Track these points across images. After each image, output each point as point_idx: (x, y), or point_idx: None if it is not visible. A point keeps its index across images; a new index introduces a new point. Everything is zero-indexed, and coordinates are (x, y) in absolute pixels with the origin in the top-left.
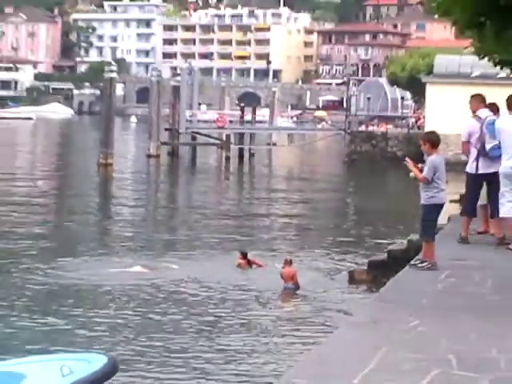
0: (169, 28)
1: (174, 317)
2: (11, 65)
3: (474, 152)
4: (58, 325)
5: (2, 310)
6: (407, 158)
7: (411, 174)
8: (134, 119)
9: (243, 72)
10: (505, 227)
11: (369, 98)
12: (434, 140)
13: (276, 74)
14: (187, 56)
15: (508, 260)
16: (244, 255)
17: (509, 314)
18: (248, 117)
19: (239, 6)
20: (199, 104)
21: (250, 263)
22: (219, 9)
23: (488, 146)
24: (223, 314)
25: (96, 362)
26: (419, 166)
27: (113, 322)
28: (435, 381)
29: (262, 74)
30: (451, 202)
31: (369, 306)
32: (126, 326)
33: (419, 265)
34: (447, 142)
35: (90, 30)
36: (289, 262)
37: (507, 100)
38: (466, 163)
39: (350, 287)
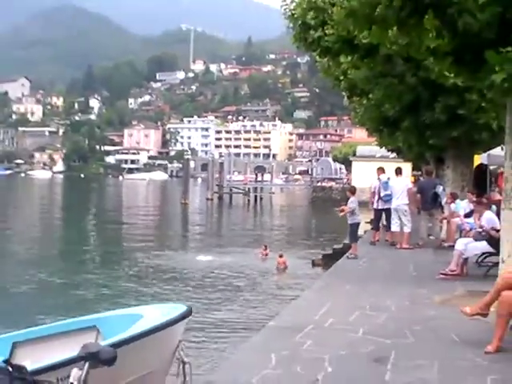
0: (217, 132)
1: (220, 282)
2: (136, 151)
3: (376, 197)
4: (157, 288)
5: (132, 279)
6: (339, 208)
7: (341, 214)
8: (199, 180)
9: (257, 155)
10: (393, 236)
11: (322, 168)
12: (352, 190)
13: (274, 155)
14: (227, 146)
15: (394, 253)
16: (265, 247)
17: (396, 280)
18: (259, 178)
19: (254, 120)
20: (233, 172)
21: (266, 254)
22: (244, 121)
23: (382, 194)
24: (247, 281)
25: (180, 308)
26: (344, 205)
27: (186, 287)
28: (357, 317)
29: (266, 156)
30: (366, 222)
31: (323, 277)
32: (195, 288)
33: (349, 256)
34: (363, 191)
35: (177, 133)
36: (281, 255)
37: (395, 170)
38: (372, 203)
39: (312, 268)
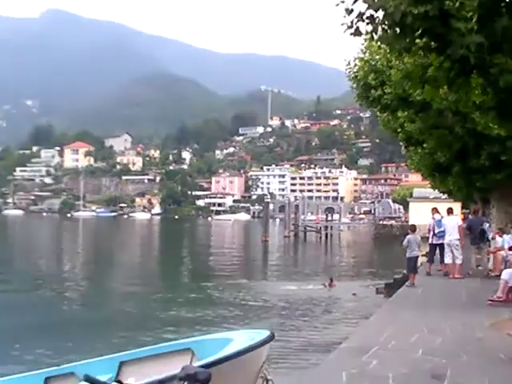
0: (292, 178)
1: (296, 309)
2: (222, 195)
3: (431, 233)
4: (243, 314)
5: (221, 307)
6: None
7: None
8: (277, 220)
9: (326, 197)
10: (446, 267)
11: (383, 209)
12: (412, 228)
13: (341, 198)
14: (301, 190)
15: (447, 283)
16: (331, 279)
17: (450, 306)
18: (329, 218)
19: (324, 168)
20: (307, 212)
21: (333, 285)
22: (315, 169)
23: (436, 231)
24: (319, 307)
25: (265, 333)
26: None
27: (268, 314)
28: (417, 339)
29: (335, 198)
30: (422, 255)
31: (386, 304)
32: (275, 314)
33: (408, 285)
34: (420, 228)
35: (257, 179)
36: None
37: (447, 209)
38: (428, 238)
39: (376, 295)
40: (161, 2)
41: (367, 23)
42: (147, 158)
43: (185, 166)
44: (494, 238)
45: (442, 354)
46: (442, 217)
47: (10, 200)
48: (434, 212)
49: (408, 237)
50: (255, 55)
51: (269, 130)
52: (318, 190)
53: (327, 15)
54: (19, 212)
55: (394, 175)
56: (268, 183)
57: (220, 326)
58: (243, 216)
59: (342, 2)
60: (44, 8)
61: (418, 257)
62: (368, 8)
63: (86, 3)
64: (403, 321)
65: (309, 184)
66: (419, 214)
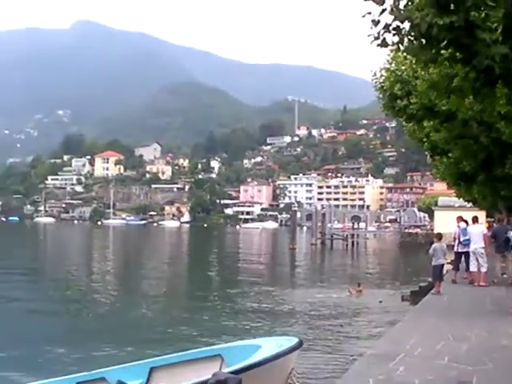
0: (319, 187)
1: (323, 315)
2: (250, 204)
3: (456, 242)
4: (272, 321)
5: (249, 314)
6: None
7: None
8: (305, 228)
9: (353, 206)
10: (471, 275)
11: (409, 217)
12: (438, 236)
13: (367, 206)
14: (327, 199)
15: (472, 290)
16: (359, 284)
17: (475, 314)
18: (355, 226)
19: (350, 177)
20: (333, 221)
21: (360, 291)
22: (341, 178)
23: (462, 239)
24: (346, 314)
25: (293, 340)
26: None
27: (297, 320)
28: (442, 346)
29: (361, 207)
30: (448, 263)
31: (411, 312)
32: (303, 320)
33: (433, 293)
34: (445, 237)
35: (285, 188)
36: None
37: (472, 218)
38: (453, 246)
39: (402, 303)
40: (189, 13)
41: (393, 34)
42: (176, 167)
43: (213, 175)
44: None
45: (467, 362)
46: (467, 225)
47: (41, 208)
48: (459, 220)
49: (434, 245)
50: (282, 65)
51: (296, 139)
52: (345, 199)
53: (353, 26)
54: (50, 219)
55: (420, 184)
56: (295, 192)
57: (248, 333)
58: (271, 224)
59: (369, 13)
60: (74, 19)
61: (443, 265)
62: (394, 19)
63: (117, 14)
64: (429, 328)
65: (335, 193)
66: (444, 223)
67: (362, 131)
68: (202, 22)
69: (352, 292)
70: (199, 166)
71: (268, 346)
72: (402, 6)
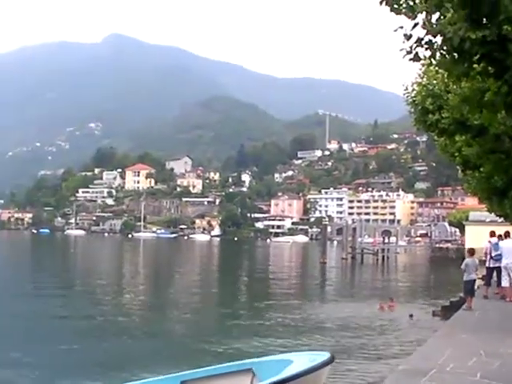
0: (350, 201)
1: (354, 330)
2: (281, 218)
3: (488, 257)
4: (304, 335)
5: (281, 328)
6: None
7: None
8: (335, 242)
9: (383, 220)
10: (503, 291)
11: (439, 232)
12: (471, 251)
13: (398, 221)
14: (358, 213)
15: (504, 306)
16: (391, 299)
17: (507, 330)
18: (386, 240)
19: (381, 191)
20: (364, 235)
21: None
22: (372, 192)
23: (493, 254)
24: (377, 330)
25: (325, 355)
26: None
27: (328, 335)
28: (474, 362)
29: (391, 221)
30: (479, 278)
31: (443, 327)
32: (334, 335)
33: (465, 308)
34: (476, 252)
35: (316, 202)
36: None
37: (504, 233)
38: (485, 261)
39: (433, 318)
40: (223, 28)
41: (426, 48)
42: (207, 181)
43: (244, 189)
44: None
45: (499, 378)
46: (499, 240)
47: (72, 220)
48: (491, 235)
49: (466, 260)
50: (313, 79)
51: (327, 153)
52: (375, 213)
53: (385, 40)
54: (81, 232)
55: (450, 198)
56: (326, 206)
57: (279, 347)
58: (301, 238)
59: (401, 27)
60: (106, 33)
61: (475, 280)
62: (427, 33)
63: (149, 28)
64: (460, 344)
65: (366, 207)
66: (475, 237)
67: (392, 145)
68: (235, 36)
69: (383, 307)
70: (230, 180)
71: (300, 360)
72: (434, 20)
